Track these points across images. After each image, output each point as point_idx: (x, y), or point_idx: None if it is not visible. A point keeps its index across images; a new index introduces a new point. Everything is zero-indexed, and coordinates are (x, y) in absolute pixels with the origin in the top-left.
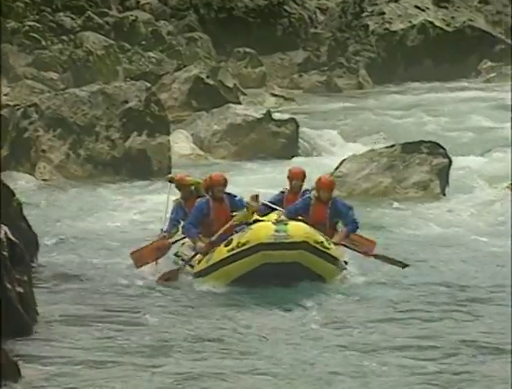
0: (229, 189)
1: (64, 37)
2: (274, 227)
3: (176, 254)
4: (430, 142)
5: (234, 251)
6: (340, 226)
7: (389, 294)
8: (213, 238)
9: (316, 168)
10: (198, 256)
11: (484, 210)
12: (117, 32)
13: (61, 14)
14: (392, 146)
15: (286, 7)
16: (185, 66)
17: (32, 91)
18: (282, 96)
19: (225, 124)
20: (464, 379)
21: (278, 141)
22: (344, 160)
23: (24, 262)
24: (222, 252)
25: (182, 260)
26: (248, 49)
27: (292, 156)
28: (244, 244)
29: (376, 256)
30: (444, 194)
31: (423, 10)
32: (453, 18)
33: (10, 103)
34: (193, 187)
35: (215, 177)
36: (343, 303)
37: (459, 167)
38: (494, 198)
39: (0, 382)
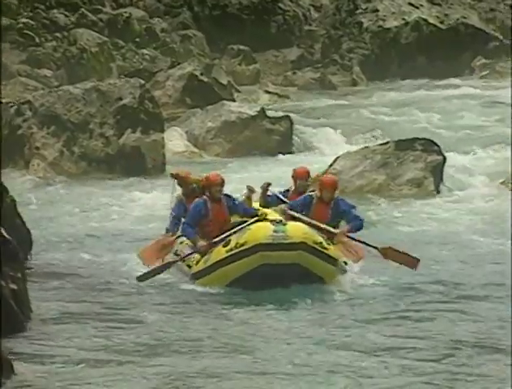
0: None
1: (58, 34)
2: (272, 227)
3: (175, 253)
4: (424, 139)
5: (232, 252)
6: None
7: (385, 293)
8: (216, 240)
9: (309, 166)
10: (196, 256)
11: (479, 207)
12: (110, 29)
13: (55, 11)
14: (386, 143)
15: (280, 4)
16: (179, 64)
17: (25, 89)
18: (276, 94)
19: (219, 121)
20: (461, 379)
21: (272, 138)
22: (338, 157)
23: (18, 259)
24: (220, 252)
25: (184, 260)
26: (242, 47)
27: (279, 153)
28: (242, 244)
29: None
30: (438, 192)
31: (417, 8)
32: (446, 15)
33: (4, 100)
34: (195, 185)
35: (212, 177)
36: (340, 303)
37: (453, 164)
38: (489, 196)
39: (0, 381)
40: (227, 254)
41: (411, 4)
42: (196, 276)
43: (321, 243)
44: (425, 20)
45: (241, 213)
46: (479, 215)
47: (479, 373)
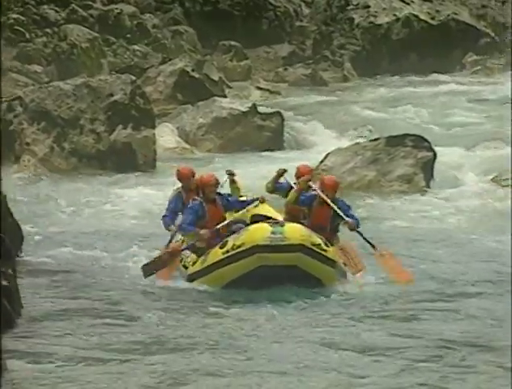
0: None
1: (48, 30)
2: (270, 229)
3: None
4: (415, 135)
5: (229, 253)
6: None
7: (380, 292)
8: (220, 225)
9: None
10: (193, 257)
11: (469, 203)
12: (101, 24)
13: (46, 6)
14: (377, 139)
15: (271, 0)
16: (170, 60)
17: (16, 85)
18: (267, 90)
19: (210, 117)
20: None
21: (263, 134)
22: (329, 153)
23: (9, 256)
24: (217, 254)
25: (181, 261)
26: (233, 43)
27: (270, 149)
28: (239, 246)
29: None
30: (428, 188)
31: (408, 4)
32: (437, 11)
33: None
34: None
35: (207, 178)
36: (334, 302)
37: (444, 160)
38: (479, 192)
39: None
40: (223, 256)
41: (402, 0)
42: (192, 277)
43: (319, 245)
44: (416, 16)
45: (239, 208)
46: (469, 211)
47: (472, 371)
